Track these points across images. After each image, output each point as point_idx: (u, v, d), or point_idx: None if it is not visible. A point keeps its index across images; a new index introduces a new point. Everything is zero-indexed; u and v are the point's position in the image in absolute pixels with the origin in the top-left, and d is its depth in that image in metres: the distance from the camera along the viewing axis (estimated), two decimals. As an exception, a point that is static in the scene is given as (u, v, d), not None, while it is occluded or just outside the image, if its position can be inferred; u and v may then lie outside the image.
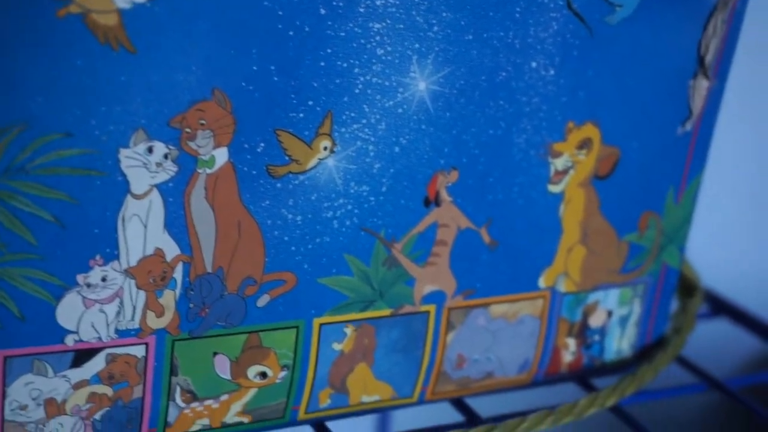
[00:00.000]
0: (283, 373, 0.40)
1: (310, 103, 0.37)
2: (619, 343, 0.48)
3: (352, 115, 0.37)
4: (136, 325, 0.36)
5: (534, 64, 0.40)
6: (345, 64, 0.37)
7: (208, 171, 0.36)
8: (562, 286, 0.45)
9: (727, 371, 0.51)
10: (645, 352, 0.49)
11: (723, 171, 0.79)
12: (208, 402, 0.39)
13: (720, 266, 0.72)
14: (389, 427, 0.70)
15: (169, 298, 0.37)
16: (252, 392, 0.40)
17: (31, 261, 0.34)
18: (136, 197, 0.35)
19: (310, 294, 0.39)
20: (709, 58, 0.43)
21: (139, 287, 0.36)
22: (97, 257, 0.35)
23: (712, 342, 0.69)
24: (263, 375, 0.39)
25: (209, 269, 0.37)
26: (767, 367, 0.53)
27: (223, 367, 0.38)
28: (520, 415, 0.43)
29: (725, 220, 0.79)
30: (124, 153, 0.34)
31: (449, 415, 0.46)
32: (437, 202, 0.40)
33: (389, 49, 0.37)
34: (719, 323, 0.60)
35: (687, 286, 0.52)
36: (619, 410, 0.46)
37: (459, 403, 0.45)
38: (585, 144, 0.43)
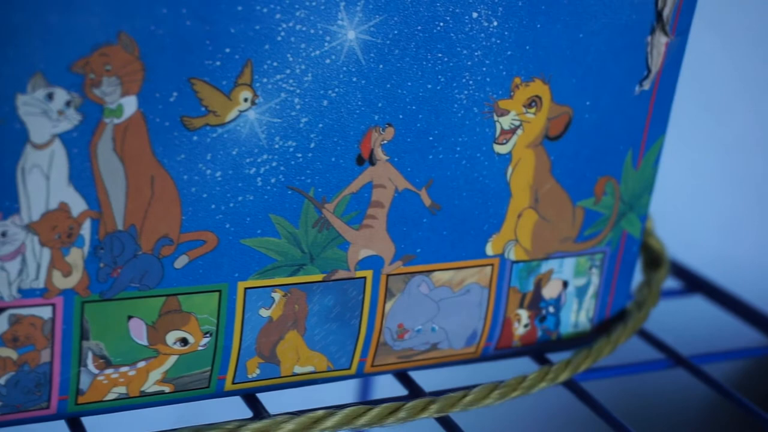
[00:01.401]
0: (205, 340, 0.38)
1: (228, 50, 0.34)
2: (577, 316, 0.45)
3: (275, 64, 0.35)
4: (41, 284, 0.34)
5: (475, 15, 0.38)
6: (265, 9, 0.34)
7: (116, 121, 0.34)
8: (512, 254, 0.42)
9: (700, 352, 0.49)
10: (604, 326, 0.46)
11: (721, 158, 0.76)
12: (123, 369, 0.37)
13: (710, 250, 0.70)
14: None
15: (76, 257, 0.35)
16: (172, 359, 0.37)
17: (-77, 213, 0.32)
18: (37, 147, 0.33)
19: (234, 256, 0.37)
20: (666, 12, 0.41)
21: (43, 244, 0.34)
22: (-4, 211, 0.33)
23: (686, 321, 0.67)
24: (184, 341, 0.37)
25: (120, 226, 0.35)
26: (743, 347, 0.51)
27: (138, 331, 0.36)
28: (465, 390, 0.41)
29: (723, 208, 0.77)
30: (21, 99, 0.32)
31: (395, 388, 0.44)
32: (372, 161, 0.38)
33: (313, -7, 0.35)
34: (695, 301, 0.57)
35: (653, 259, 0.50)
36: (576, 386, 0.44)
37: (403, 377, 0.43)
38: (534, 102, 0.40)
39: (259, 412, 0.39)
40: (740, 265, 0.78)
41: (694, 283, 0.56)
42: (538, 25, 0.39)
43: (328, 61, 0.36)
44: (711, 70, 0.73)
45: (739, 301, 0.53)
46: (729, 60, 0.74)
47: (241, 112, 0.35)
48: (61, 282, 0.35)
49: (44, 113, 0.32)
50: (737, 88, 0.75)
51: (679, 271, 0.56)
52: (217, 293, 0.37)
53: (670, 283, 0.56)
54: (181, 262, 0.36)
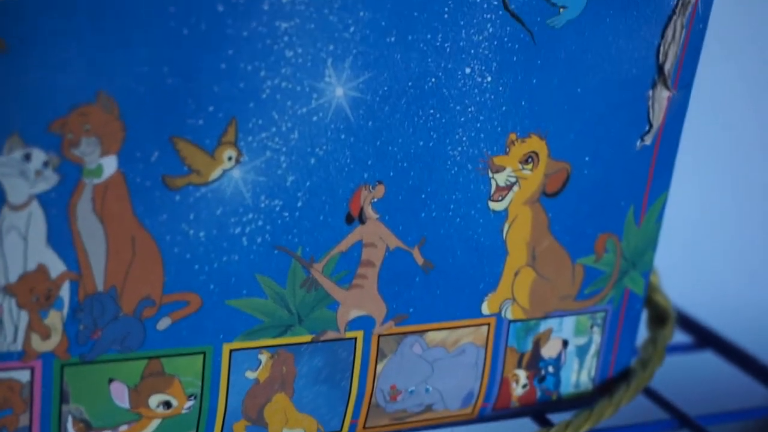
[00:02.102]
0: (189, 403, 0.37)
1: (211, 108, 0.34)
2: (578, 376, 0.44)
3: (260, 122, 0.34)
4: (18, 347, 0.34)
5: (468, 70, 0.37)
6: (249, 67, 0.34)
7: (96, 181, 0.33)
8: (509, 313, 0.41)
9: (711, 410, 0.47)
10: (607, 386, 0.45)
11: (736, 200, 0.75)
12: (104, 433, 0.36)
13: (715, 300, 0.68)
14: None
15: (55, 319, 0.34)
16: (155, 423, 0.36)
17: None
18: (14, 208, 0.32)
19: (218, 317, 0.36)
20: (668, 66, 0.40)
21: (20, 306, 0.33)
22: (-28, 273, 0.32)
23: (695, 378, 0.65)
24: (167, 404, 0.36)
25: (100, 288, 0.34)
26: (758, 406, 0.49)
27: (120, 394, 0.35)
28: (460, 453, 0.40)
29: (721, 251, 0.75)
30: (-3, 160, 0.31)
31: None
32: (361, 219, 0.37)
33: (300, 50, 0.34)
34: (706, 357, 0.56)
35: (659, 315, 0.48)
36: (576, 449, 0.42)
37: (397, 439, 0.42)
38: (530, 158, 0.39)
39: (245, 476, 0.38)
40: (758, 316, 0.76)
41: (704, 338, 0.54)
42: (534, 80, 0.38)
43: (315, 118, 0.35)
44: (724, 105, 0.72)
45: (752, 358, 0.52)
46: (745, 93, 0.73)
47: (225, 170, 0.34)
48: (39, 345, 0.34)
49: (22, 174, 0.32)
50: (751, 126, 0.74)
51: (688, 324, 0.55)
52: (201, 355, 0.36)
53: (679, 336, 0.55)
54: (163, 323, 0.35)
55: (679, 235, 0.65)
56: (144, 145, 0.33)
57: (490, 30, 0.37)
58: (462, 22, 0.36)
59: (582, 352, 0.44)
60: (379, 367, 0.39)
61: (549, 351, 0.43)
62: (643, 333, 0.47)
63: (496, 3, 0.36)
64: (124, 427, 0.36)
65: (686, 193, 0.64)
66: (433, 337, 0.40)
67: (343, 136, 0.36)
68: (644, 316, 0.48)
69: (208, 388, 0.37)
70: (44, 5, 0.30)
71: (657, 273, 0.48)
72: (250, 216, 0.35)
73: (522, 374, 0.43)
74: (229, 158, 0.34)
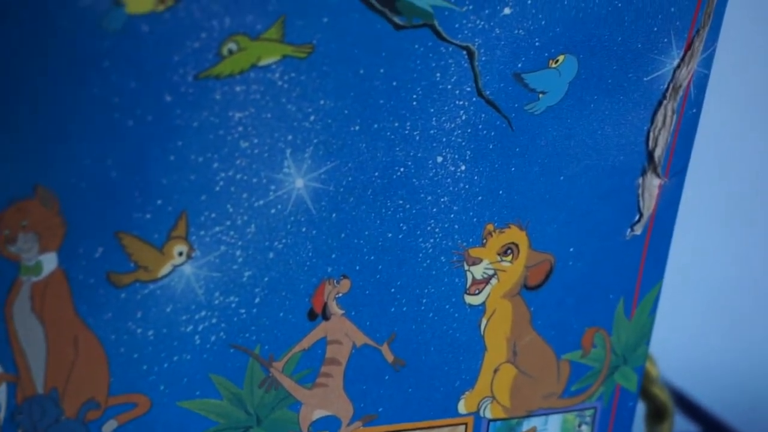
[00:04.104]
0: None
1: (159, 202, 0.32)
2: (565, 477, 0.41)
3: (213, 215, 0.33)
4: (-48, 453, 0.32)
5: (440, 159, 0.35)
6: (201, 158, 0.32)
7: (34, 279, 0.31)
8: (488, 412, 0.39)
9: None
10: (598, 488, 0.42)
11: (747, 270, 0.72)
12: None
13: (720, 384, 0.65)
14: None
15: (-9, 423, 0.32)
16: None
17: None
18: (-54, 308, 0.30)
19: (169, 420, 0.34)
20: (659, 152, 0.37)
21: (-47, 410, 0.31)
22: None
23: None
24: None
25: (40, 390, 0.32)
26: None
27: (62, 501, 0.34)
28: None
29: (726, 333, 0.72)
30: (-74, 259, 0.30)
31: None
32: (325, 316, 0.35)
33: (255, 141, 0.32)
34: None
35: (657, 410, 0.46)
36: None
37: None
38: (509, 250, 0.37)
39: None
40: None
41: (713, 428, 0.51)
42: (513, 169, 0.36)
43: (273, 210, 0.33)
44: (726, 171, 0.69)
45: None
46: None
47: (175, 266, 0.32)
48: (-26, 450, 0.32)
49: (-47, 272, 0.30)
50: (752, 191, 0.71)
51: (695, 412, 0.52)
52: (151, 459, 0.34)
53: (684, 425, 0.52)
54: (109, 427, 0.33)
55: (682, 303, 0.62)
56: (87, 241, 0.31)
57: (464, 117, 0.35)
58: (432, 110, 0.34)
59: (570, 451, 0.41)
60: (346, 469, 0.37)
61: (533, 451, 0.40)
62: (639, 428, 0.45)
63: (469, 89, 0.34)
64: None
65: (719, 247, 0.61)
66: (405, 438, 0.38)
67: (304, 229, 0.34)
68: (641, 410, 0.46)
69: (159, 493, 0.35)
70: (-24, 98, 0.29)
71: (655, 363, 0.46)
72: (203, 313, 0.33)
73: (503, 476, 0.40)
74: (180, 253, 0.32)
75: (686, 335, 0.67)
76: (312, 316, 0.35)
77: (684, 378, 0.54)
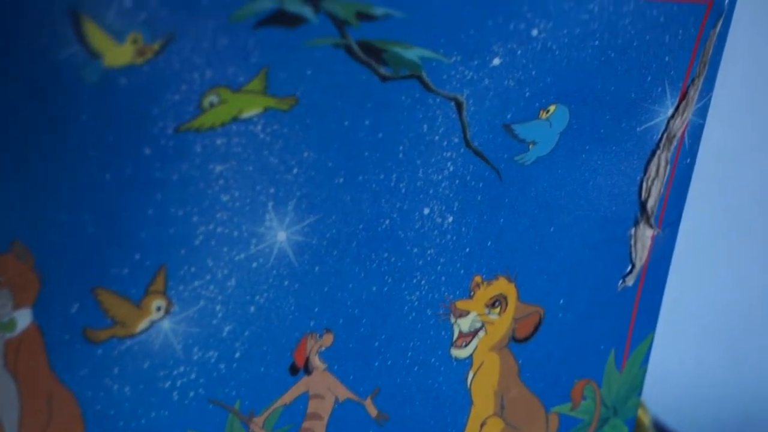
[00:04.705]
0: None
1: (138, 256, 0.31)
2: None
3: (192, 270, 0.32)
4: None
5: (426, 211, 0.34)
6: (180, 212, 0.31)
7: (8, 335, 0.30)
8: (475, 466, 0.38)
9: None
10: None
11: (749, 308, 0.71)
12: None
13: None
14: None
15: (-38, 482, 0.31)
16: None
17: None
18: None
19: (146, 476, 0.33)
20: (651, 203, 0.37)
21: (-77, 469, 0.31)
22: None
23: None
24: None
25: (13, 448, 0.31)
26: None
27: None
28: None
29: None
30: None
31: None
32: (307, 370, 0.34)
33: (237, 194, 0.31)
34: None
35: (649, 459, 0.45)
36: None
37: None
38: (497, 302, 0.36)
39: None
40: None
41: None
42: (502, 220, 0.35)
43: (254, 264, 0.32)
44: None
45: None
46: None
47: (153, 321, 0.32)
48: None
49: (-76, 329, 0.29)
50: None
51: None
52: None
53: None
54: (84, 484, 0.33)
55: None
56: (62, 297, 0.30)
57: (451, 168, 0.34)
58: (419, 161, 0.33)
59: (558, 504, 0.40)
60: None
61: (520, 504, 0.39)
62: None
63: (457, 140, 0.33)
64: None
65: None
66: (389, 492, 0.37)
67: (286, 283, 0.33)
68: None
69: None
70: (-52, 153, 0.28)
71: (647, 411, 0.45)
72: (182, 369, 0.33)
73: None
74: (158, 308, 0.32)
75: (682, 374, 0.66)
76: (294, 370, 0.34)
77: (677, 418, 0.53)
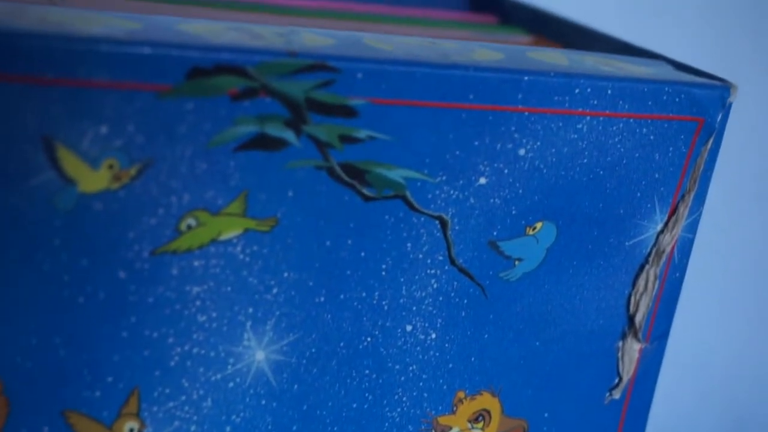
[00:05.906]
0: None
1: (110, 379, 0.30)
2: None
3: (167, 391, 0.31)
4: None
5: (409, 328, 0.33)
6: (155, 334, 0.30)
7: (-25, 460, 0.30)
8: None
9: None
10: None
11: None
12: None
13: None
14: None
15: None
16: None
17: None
18: None
19: None
20: (639, 317, 0.36)
21: None
22: None
23: None
24: None
25: None
26: None
27: None
28: None
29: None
30: None
31: None
32: (284, 488, 0.33)
33: (214, 315, 0.31)
34: None
35: None
36: None
37: None
38: (481, 416, 0.35)
39: None
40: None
41: None
42: (486, 335, 0.34)
43: (231, 384, 0.32)
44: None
45: None
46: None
47: (126, 443, 0.31)
48: None
49: None
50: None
51: None
52: None
53: None
54: None
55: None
56: (31, 421, 0.30)
57: (435, 285, 0.33)
58: (402, 279, 0.33)
59: None
60: None
61: None
62: None
63: (441, 258, 0.33)
64: None
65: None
66: None
67: (264, 402, 0.32)
68: None
69: None
70: None
71: None
72: (154, 490, 0.32)
73: None
74: (131, 431, 0.31)
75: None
76: (270, 489, 0.33)
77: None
